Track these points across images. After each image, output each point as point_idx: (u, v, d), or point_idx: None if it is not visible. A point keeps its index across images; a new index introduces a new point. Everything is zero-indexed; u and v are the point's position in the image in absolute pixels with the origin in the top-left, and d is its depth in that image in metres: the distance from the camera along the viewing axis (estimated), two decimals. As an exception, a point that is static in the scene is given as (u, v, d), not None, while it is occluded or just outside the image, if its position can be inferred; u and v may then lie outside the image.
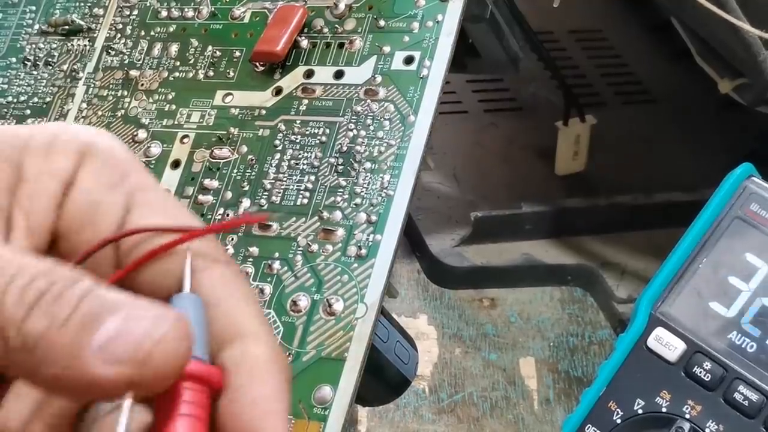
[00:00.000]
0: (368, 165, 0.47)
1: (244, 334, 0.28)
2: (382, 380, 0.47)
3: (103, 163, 0.29)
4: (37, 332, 0.25)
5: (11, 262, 0.25)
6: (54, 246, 0.28)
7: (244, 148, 0.50)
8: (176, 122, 0.52)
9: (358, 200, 0.46)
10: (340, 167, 0.47)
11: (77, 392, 0.25)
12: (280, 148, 0.49)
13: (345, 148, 0.48)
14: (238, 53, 0.52)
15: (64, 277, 0.25)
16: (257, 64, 0.51)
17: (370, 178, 0.46)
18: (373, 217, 0.45)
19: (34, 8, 0.59)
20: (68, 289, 0.25)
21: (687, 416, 0.40)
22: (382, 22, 0.49)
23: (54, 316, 0.25)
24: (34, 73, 0.57)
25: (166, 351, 0.25)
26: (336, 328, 0.44)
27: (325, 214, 0.46)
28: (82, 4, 0.58)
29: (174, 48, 0.54)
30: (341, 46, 0.50)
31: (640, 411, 0.41)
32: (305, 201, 0.47)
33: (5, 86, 0.58)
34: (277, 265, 0.46)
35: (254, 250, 0.47)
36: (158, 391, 0.25)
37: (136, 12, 0.56)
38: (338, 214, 0.46)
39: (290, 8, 0.51)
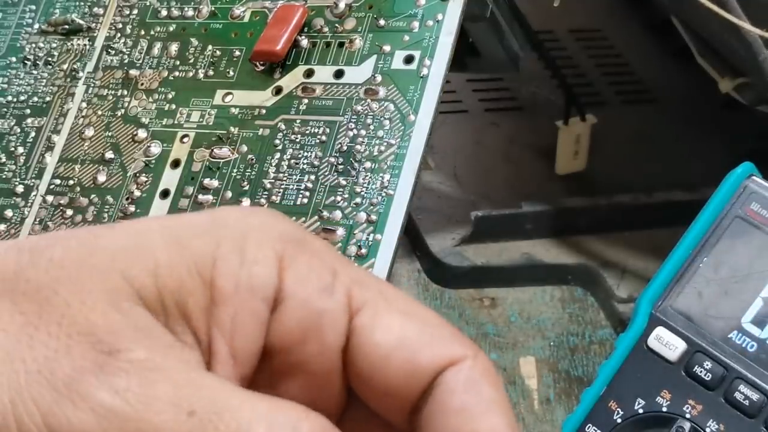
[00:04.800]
0: (368, 164, 0.47)
1: None
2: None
3: (307, 264, 0.26)
4: None
5: (250, 410, 0.23)
6: (265, 361, 0.26)
7: (244, 148, 0.50)
8: (176, 122, 0.52)
9: (358, 200, 0.46)
10: (340, 167, 0.47)
11: None
12: (280, 147, 0.49)
13: (345, 148, 0.48)
14: (238, 52, 0.52)
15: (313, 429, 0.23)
16: (257, 63, 0.51)
17: (370, 177, 0.46)
18: (373, 217, 0.45)
19: (33, 7, 0.59)
20: None
21: (687, 416, 0.40)
22: (382, 22, 0.49)
23: None
24: (34, 72, 0.57)
25: None
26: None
27: (325, 214, 0.46)
28: (81, 3, 0.58)
29: (174, 47, 0.54)
30: (341, 45, 0.50)
31: (640, 410, 0.41)
32: (305, 200, 0.47)
33: (5, 86, 0.58)
34: (277, 264, 0.46)
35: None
36: None
37: (135, 11, 0.56)
38: (338, 214, 0.46)
39: (290, 7, 0.51)
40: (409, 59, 0.48)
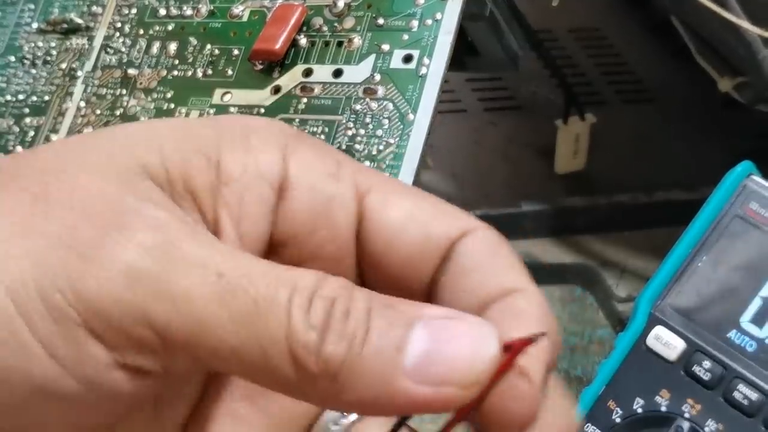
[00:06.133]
0: (367, 163, 0.47)
1: (512, 288, 0.25)
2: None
3: (311, 153, 0.26)
4: (339, 358, 0.22)
5: (276, 276, 0.23)
6: (275, 255, 0.26)
7: (243, 147, 0.50)
8: (175, 121, 0.52)
9: (357, 199, 0.46)
10: (339, 166, 0.47)
11: (387, 411, 0.23)
12: (278, 146, 0.49)
13: (344, 147, 0.47)
14: (236, 52, 0.52)
15: (338, 288, 0.23)
16: (256, 62, 0.51)
17: (369, 176, 0.46)
18: (372, 216, 0.45)
19: (32, 6, 0.59)
20: (352, 303, 0.23)
21: (686, 415, 0.40)
22: (381, 21, 0.49)
23: (352, 338, 0.22)
24: (33, 71, 0.57)
25: (491, 368, 0.23)
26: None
27: (324, 213, 0.46)
28: (80, 2, 0.58)
29: (173, 46, 0.54)
30: (340, 44, 0.50)
31: (639, 410, 0.41)
32: (304, 200, 0.47)
33: (4, 85, 0.58)
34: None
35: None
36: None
37: (134, 10, 0.56)
38: (337, 213, 0.46)
39: (289, 6, 0.51)
40: (408, 58, 0.48)
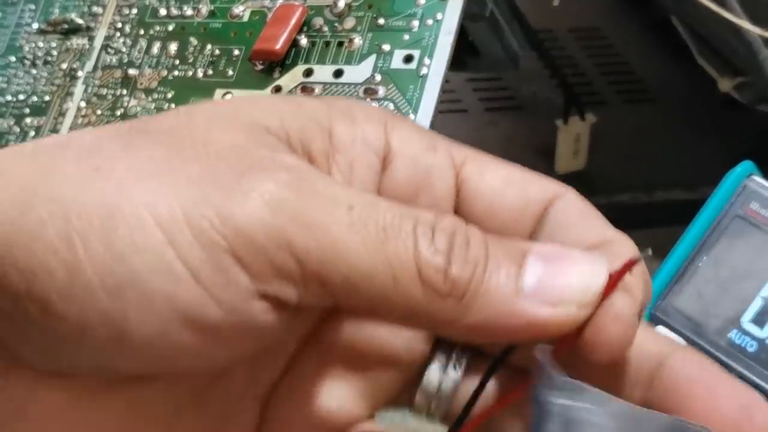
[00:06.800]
0: (368, 164, 0.47)
1: (608, 239, 0.27)
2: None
3: (409, 130, 0.28)
4: (466, 279, 0.24)
5: (399, 210, 0.25)
6: None
7: (244, 147, 0.50)
8: (175, 121, 0.52)
9: (357, 199, 0.46)
10: (340, 166, 0.47)
11: (505, 333, 0.25)
12: (279, 146, 0.49)
13: (344, 147, 0.47)
14: (237, 52, 0.52)
15: (456, 222, 0.25)
16: (256, 62, 0.51)
17: (370, 176, 0.46)
18: (373, 216, 0.45)
19: (33, 7, 0.59)
20: (471, 235, 0.25)
21: (687, 415, 0.40)
22: (381, 21, 0.49)
23: (476, 262, 0.24)
24: (33, 71, 0.57)
25: (602, 290, 0.25)
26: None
27: (325, 213, 0.46)
28: (81, 2, 0.58)
29: (173, 47, 0.54)
30: (341, 44, 0.50)
31: (640, 410, 0.41)
32: (305, 200, 0.47)
33: (4, 85, 0.58)
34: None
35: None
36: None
37: (135, 11, 0.56)
38: (338, 213, 0.46)
39: (289, 7, 0.51)
40: (408, 58, 0.48)
